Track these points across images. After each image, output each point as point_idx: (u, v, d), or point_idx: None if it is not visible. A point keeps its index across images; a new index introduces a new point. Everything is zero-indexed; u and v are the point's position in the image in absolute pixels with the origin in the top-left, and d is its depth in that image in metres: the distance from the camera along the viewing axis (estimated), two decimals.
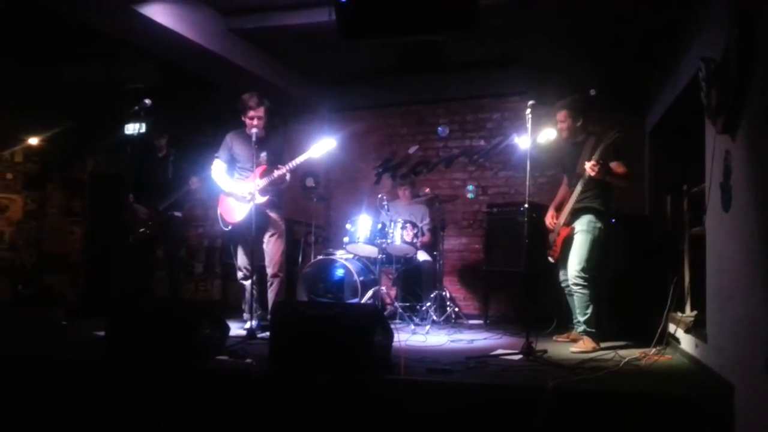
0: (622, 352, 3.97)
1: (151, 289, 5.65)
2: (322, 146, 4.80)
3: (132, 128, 5.06)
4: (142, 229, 5.34)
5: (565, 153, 4.70)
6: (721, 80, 3.00)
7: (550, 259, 4.68)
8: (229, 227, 4.90)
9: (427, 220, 6.39)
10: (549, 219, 4.71)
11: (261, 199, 4.72)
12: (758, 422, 2.50)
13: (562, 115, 4.54)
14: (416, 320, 5.63)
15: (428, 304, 5.76)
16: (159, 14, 4.84)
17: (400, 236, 5.62)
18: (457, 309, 6.16)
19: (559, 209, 4.69)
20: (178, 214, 5.51)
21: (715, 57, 3.12)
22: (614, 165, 4.27)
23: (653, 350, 3.97)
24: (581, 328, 4.32)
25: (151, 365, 3.51)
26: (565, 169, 4.77)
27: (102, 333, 3.80)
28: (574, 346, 4.28)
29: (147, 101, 4.78)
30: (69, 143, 7.81)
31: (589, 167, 4.14)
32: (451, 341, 4.76)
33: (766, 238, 2.50)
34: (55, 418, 3.56)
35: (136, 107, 4.81)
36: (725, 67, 2.95)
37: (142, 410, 3.43)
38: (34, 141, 7.79)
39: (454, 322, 5.92)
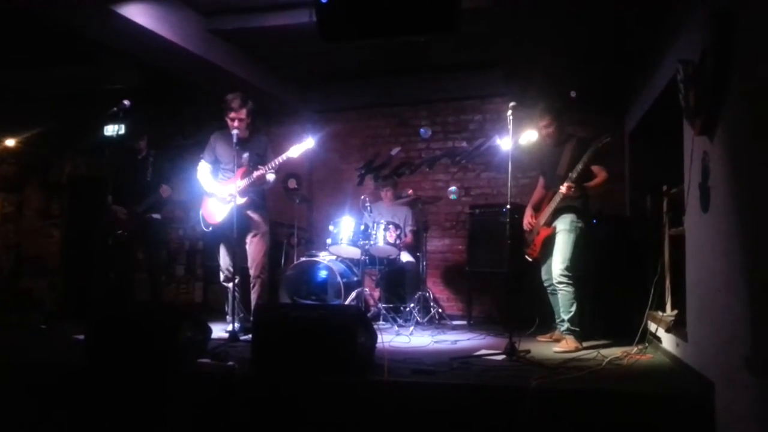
0: (604, 352, 4.01)
1: (132, 292, 5.59)
2: (301, 146, 4.79)
3: (111, 130, 5.00)
4: (120, 231, 5.29)
5: (545, 155, 4.74)
6: (699, 82, 3.04)
7: (528, 258, 4.72)
8: (210, 228, 4.89)
9: (410, 222, 6.39)
10: (527, 219, 4.74)
11: (241, 201, 4.70)
12: (738, 420, 2.54)
13: (545, 121, 4.57)
14: (400, 321, 5.62)
15: (412, 305, 5.75)
16: (138, 15, 4.79)
17: (383, 237, 5.61)
18: (440, 310, 6.17)
19: (536, 209, 4.73)
20: (157, 216, 5.47)
21: (693, 59, 3.15)
22: (595, 168, 4.34)
23: (635, 349, 4.01)
24: (565, 326, 4.35)
25: (132, 369, 3.47)
26: (543, 170, 4.81)
27: (82, 337, 3.75)
28: (556, 346, 4.31)
29: (126, 102, 4.74)
30: (47, 145, 7.70)
31: (565, 188, 4.24)
32: (435, 342, 4.76)
33: (744, 237, 2.53)
34: (35, 424, 3.51)
35: (115, 108, 4.76)
36: (703, 69, 2.98)
37: (124, 414, 3.39)
38: (10, 142, 7.66)
39: (438, 322, 5.93)
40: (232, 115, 4.70)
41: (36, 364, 3.74)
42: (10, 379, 3.66)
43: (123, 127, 4.96)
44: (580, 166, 4.24)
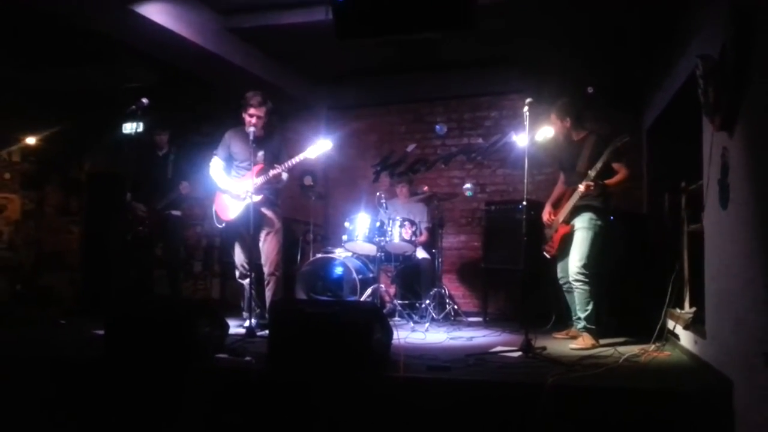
0: (621, 349, 3.98)
1: (150, 288, 5.65)
2: (318, 147, 4.82)
3: (129, 127, 5.06)
4: (140, 227, 5.35)
5: (563, 151, 4.71)
6: (719, 78, 3.00)
7: (546, 255, 4.70)
8: (223, 224, 4.93)
9: (425, 218, 6.39)
10: (546, 215, 4.72)
11: (256, 198, 4.73)
12: (757, 418, 2.52)
13: (551, 118, 4.61)
14: (415, 318, 5.63)
15: (427, 301, 5.76)
16: (156, 14, 4.84)
17: (398, 234, 5.62)
18: (456, 306, 6.16)
19: (556, 206, 4.71)
20: (177, 213, 5.52)
21: (712, 54, 3.12)
22: (616, 166, 4.31)
23: (652, 347, 3.98)
24: (581, 324, 4.33)
25: (150, 363, 3.51)
26: (562, 167, 4.78)
27: (101, 332, 3.80)
28: (573, 343, 4.29)
29: (144, 100, 4.78)
30: (66, 143, 7.79)
31: (584, 187, 4.20)
32: (451, 339, 4.76)
33: (764, 234, 2.51)
34: (54, 417, 3.56)
35: (134, 106, 4.81)
36: (723, 64, 2.96)
37: (142, 408, 3.42)
38: (31, 140, 7.76)
39: (453, 319, 5.93)
40: (252, 111, 4.73)
41: (55, 359, 3.79)
42: (31, 373, 3.71)
43: (141, 124, 5.01)
44: (599, 165, 4.22)
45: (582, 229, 4.36)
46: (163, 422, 3.39)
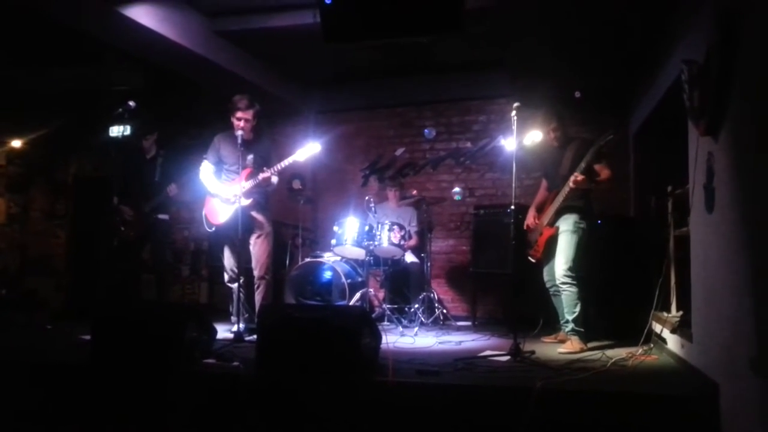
0: (609, 353, 4.00)
1: (137, 292, 5.61)
2: (307, 150, 4.81)
3: (116, 130, 5.03)
4: (125, 229, 5.30)
5: (548, 156, 4.74)
6: (704, 83, 3.03)
7: (531, 259, 4.71)
8: (213, 228, 4.90)
9: (414, 223, 6.38)
10: (530, 219, 4.74)
11: (245, 202, 4.71)
12: (743, 421, 2.53)
13: (553, 124, 4.56)
14: (404, 322, 5.62)
15: (416, 305, 5.76)
16: (143, 16, 4.82)
17: (387, 238, 5.61)
18: (445, 311, 6.16)
19: (539, 210, 4.73)
20: (165, 216, 5.48)
21: (698, 59, 3.15)
22: (598, 167, 4.33)
23: (640, 350, 4.00)
24: (569, 327, 4.34)
25: (137, 368, 3.48)
26: (546, 171, 4.81)
27: (87, 336, 3.76)
28: (561, 347, 4.30)
29: (131, 103, 4.76)
30: (53, 146, 7.74)
31: (572, 181, 4.21)
32: (440, 343, 4.76)
33: (748, 238, 2.53)
34: (40, 423, 3.52)
35: (120, 109, 4.78)
36: (708, 69, 2.98)
37: (129, 414, 3.40)
38: (17, 143, 7.71)
39: (442, 323, 5.93)
40: (239, 115, 4.72)
41: (41, 364, 3.75)
42: (16, 378, 3.67)
43: (128, 128, 4.98)
44: (583, 164, 4.23)
45: (566, 232, 4.38)
46: (150, 428, 3.36)
